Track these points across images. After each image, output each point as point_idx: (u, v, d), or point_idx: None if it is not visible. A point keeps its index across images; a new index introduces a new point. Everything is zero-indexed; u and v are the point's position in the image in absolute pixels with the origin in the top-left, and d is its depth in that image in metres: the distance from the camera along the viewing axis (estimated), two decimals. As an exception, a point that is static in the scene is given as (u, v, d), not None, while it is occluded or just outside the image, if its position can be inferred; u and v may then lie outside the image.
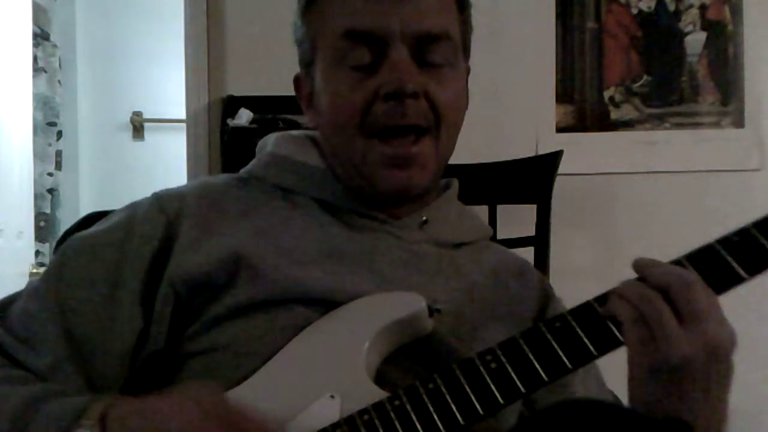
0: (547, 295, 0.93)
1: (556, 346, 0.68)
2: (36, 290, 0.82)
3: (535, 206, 2.00)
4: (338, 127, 0.85)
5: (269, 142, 0.94)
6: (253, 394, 0.74)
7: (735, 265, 0.67)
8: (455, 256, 0.89)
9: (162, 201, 0.86)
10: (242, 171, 0.93)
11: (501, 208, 2.07)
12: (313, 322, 0.78)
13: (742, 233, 0.69)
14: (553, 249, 1.95)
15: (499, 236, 2.10)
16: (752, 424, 2.06)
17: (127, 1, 3.82)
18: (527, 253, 2.01)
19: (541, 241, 1.93)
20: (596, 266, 2.26)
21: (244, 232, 0.82)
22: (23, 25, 3.06)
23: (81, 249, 0.84)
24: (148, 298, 0.81)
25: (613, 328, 0.67)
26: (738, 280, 0.68)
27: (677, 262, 0.69)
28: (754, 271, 0.68)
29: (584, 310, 0.69)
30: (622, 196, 2.31)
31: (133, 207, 0.87)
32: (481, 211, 2.14)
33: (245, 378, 0.75)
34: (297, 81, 0.94)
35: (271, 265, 0.80)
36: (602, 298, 0.69)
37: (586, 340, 0.67)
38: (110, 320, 0.79)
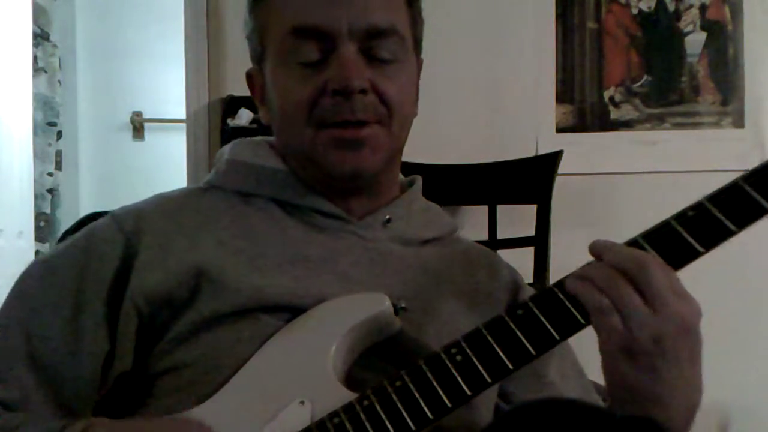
0: (517, 286, 0.93)
1: (519, 334, 0.68)
2: None
3: (535, 206, 2.00)
4: (287, 120, 0.85)
5: (226, 151, 0.93)
6: (221, 407, 0.73)
7: (691, 240, 0.68)
8: (422, 252, 0.89)
9: (119, 220, 0.85)
10: (202, 182, 0.93)
11: (501, 208, 2.07)
12: (279, 330, 0.78)
13: (698, 207, 0.69)
14: (553, 249, 1.95)
15: (499, 236, 2.11)
16: (752, 423, 2.05)
17: (127, 1, 3.82)
18: (527, 253, 2.01)
19: (541, 241, 1.93)
20: (596, 266, 2.25)
21: (203, 245, 0.82)
22: (23, 25, 3.06)
23: (41, 274, 0.83)
24: (111, 319, 0.80)
25: (575, 312, 0.68)
26: (695, 255, 0.68)
27: (633, 242, 0.69)
28: (710, 245, 0.68)
29: (545, 297, 0.70)
30: (622, 196, 2.31)
31: (90, 229, 0.86)
32: (482, 211, 2.14)
33: (215, 392, 0.75)
34: (249, 77, 0.95)
35: (233, 276, 0.79)
36: (562, 284, 0.70)
37: (548, 326, 0.68)
38: (76, 344, 0.79)
